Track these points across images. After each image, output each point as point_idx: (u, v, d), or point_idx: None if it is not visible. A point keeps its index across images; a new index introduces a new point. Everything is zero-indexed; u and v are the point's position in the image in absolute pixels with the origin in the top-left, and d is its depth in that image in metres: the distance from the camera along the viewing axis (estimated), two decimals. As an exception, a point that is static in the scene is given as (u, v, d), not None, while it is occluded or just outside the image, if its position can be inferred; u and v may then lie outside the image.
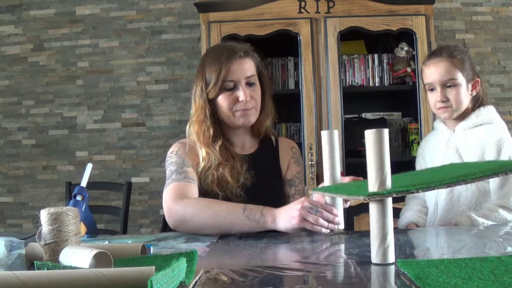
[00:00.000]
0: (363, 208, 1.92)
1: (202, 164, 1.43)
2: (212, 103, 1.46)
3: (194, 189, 1.38)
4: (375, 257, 0.89)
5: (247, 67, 1.44)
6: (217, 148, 1.43)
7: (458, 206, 1.52)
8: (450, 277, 0.74)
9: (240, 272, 0.86)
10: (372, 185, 0.88)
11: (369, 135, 0.89)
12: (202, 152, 1.43)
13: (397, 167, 3.04)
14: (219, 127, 1.49)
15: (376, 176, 0.88)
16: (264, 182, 1.46)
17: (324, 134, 1.20)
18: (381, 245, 0.88)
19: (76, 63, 3.23)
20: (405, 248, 1.11)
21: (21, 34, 3.26)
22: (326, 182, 1.20)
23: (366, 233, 1.26)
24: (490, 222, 1.40)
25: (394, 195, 0.87)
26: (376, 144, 0.88)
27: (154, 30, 3.21)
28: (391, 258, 0.88)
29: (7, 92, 3.26)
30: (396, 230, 1.48)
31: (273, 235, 1.22)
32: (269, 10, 2.65)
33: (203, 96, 1.45)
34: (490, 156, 1.49)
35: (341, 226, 1.22)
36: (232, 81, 1.43)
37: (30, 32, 3.25)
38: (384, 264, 0.87)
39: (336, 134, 1.20)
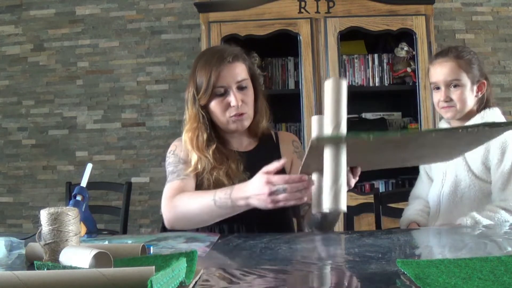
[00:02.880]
0: (363, 208, 1.93)
1: (192, 168, 1.42)
2: (205, 109, 1.45)
3: (186, 184, 1.38)
4: (327, 203, 0.86)
5: (238, 71, 1.42)
6: (210, 152, 1.42)
7: (461, 207, 1.52)
8: (450, 277, 0.74)
9: (240, 272, 0.86)
10: (328, 129, 0.88)
11: (328, 83, 0.88)
12: (193, 157, 1.42)
13: (397, 167, 3.01)
14: (215, 130, 1.48)
15: (332, 120, 0.87)
16: None
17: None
18: (332, 189, 0.86)
19: (76, 63, 3.23)
20: (405, 248, 1.11)
21: (21, 34, 3.25)
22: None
23: (366, 233, 1.27)
24: (492, 223, 1.41)
25: (343, 141, 0.85)
26: (334, 92, 0.87)
27: (154, 30, 3.21)
28: (343, 204, 0.86)
29: (7, 92, 3.26)
30: (397, 230, 1.48)
31: (273, 235, 1.22)
32: (269, 10, 2.65)
33: (196, 103, 1.44)
34: (494, 158, 1.49)
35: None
36: (223, 87, 1.41)
37: (30, 32, 3.25)
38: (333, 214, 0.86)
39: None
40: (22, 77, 3.25)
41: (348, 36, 2.71)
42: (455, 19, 3.11)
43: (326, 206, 0.87)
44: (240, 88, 1.43)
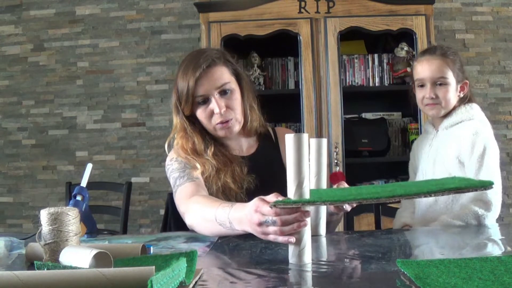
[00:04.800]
0: (363, 208, 1.93)
1: (199, 171, 1.38)
2: (193, 117, 1.43)
3: (199, 185, 1.34)
4: (291, 258, 0.92)
5: (217, 76, 1.38)
6: (210, 154, 1.40)
7: (435, 205, 1.53)
8: (450, 277, 0.74)
9: (240, 272, 0.86)
10: (290, 191, 0.91)
11: (289, 140, 0.90)
12: (196, 164, 1.39)
13: (397, 167, 3.02)
14: (212, 135, 1.45)
15: (294, 179, 0.90)
16: (268, 183, 1.35)
17: (312, 142, 1.19)
18: (297, 247, 0.91)
19: (76, 63, 3.23)
20: (405, 248, 1.11)
21: (21, 34, 3.25)
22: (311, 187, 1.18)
23: (366, 233, 1.27)
24: (461, 223, 1.40)
25: (293, 206, 0.90)
26: (295, 149, 0.90)
27: (154, 30, 3.21)
28: (307, 258, 0.92)
29: (7, 92, 3.26)
30: (397, 230, 1.48)
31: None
32: (269, 10, 2.65)
33: (179, 112, 1.42)
34: (465, 151, 1.49)
35: (322, 232, 1.22)
36: (202, 96, 1.38)
37: (30, 32, 3.25)
38: (300, 266, 0.91)
39: (325, 143, 1.21)
40: (22, 77, 3.25)
41: (348, 36, 2.71)
42: (455, 19, 3.11)
43: (291, 261, 0.92)
44: (223, 92, 1.39)
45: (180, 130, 1.44)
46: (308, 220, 0.92)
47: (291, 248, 0.92)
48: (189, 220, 1.28)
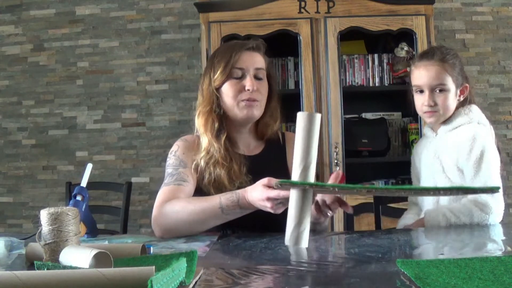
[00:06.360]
0: (362, 208, 1.93)
1: (203, 154, 1.40)
2: (218, 92, 1.43)
3: (182, 191, 1.34)
4: (288, 240, 0.90)
5: (259, 59, 1.44)
6: (221, 141, 1.40)
7: (441, 208, 1.52)
8: (450, 277, 0.74)
9: (240, 272, 0.86)
10: (296, 171, 0.87)
11: (300, 118, 0.85)
12: (204, 141, 1.41)
13: (397, 167, 3.02)
14: (225, 124, 1.45)
15: (300, 162, 0.86)
16: None
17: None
18: (296, 229, 0.89)
19: (76, 63, 3.23)
20: (405, 248, 1.11)
21: (21, 34, 3.25)
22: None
23: (366, 233, 1.27)
24: (456, 220, 1.40)
25: (300, 187, 0.87)
26: (306, 129, 0.84)
27: (154, 30, 3.21)
28: (305, 242, 0.89)
29: (7, 92, 3.26)
30: (397, 230, 1.48)
31: (273, 235, 1.22)
32: (269, 10, 2.65)
33: (211, 84, 1.43)
34: (463, 158, 1.47)
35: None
36: (241, 69, 1.41)
37: (30, 32, 3.25)
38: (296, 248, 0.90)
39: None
40: (22, 77, 3.25)
41: (348, 36, 2.71)
42: (455, 19, 3.11)
43: (287, 243, 0.91)
44: (257, 77, 1.43)
45: (207, 103, 1.44)
46: (310, 202, 0.91)
47: (289, 230, 0.89)
48: (163, 222, 1.27)
